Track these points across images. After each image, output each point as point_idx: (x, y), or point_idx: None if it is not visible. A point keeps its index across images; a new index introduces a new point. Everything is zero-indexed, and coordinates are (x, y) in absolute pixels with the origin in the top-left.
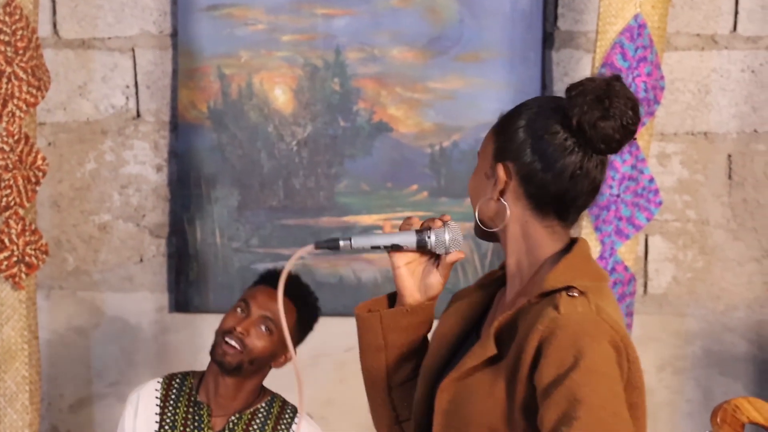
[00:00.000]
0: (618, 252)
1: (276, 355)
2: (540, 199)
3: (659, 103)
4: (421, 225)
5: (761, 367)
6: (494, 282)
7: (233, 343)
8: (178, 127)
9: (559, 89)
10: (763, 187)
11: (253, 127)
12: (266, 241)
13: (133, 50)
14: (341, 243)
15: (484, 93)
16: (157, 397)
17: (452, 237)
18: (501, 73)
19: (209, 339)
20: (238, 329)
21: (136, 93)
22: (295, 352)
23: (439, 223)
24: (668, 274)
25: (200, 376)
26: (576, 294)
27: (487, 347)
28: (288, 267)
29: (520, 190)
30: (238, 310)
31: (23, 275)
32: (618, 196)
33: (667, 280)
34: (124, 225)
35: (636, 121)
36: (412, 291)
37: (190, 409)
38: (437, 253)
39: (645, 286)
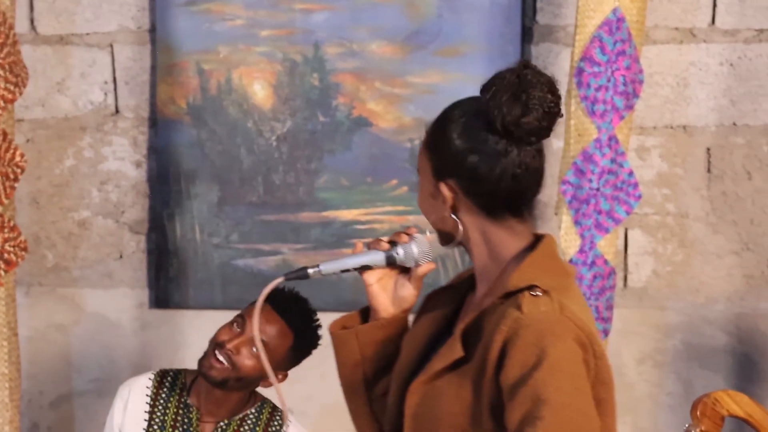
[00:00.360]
0: (598, 246)
1: (265, 377)
2: (490, 206)
3: (638, 96)
4: (389, 240)
5: (741, 360)
6: (465, 282)
7: (222, 358)
8: (157, 122)
9: None
10: (742, 180)
11: (233, 122)
12: (246, 237)
13: (111, 46)
14: (310, 271)
15: (464, 87)
16: (147, 395)
17: (420, 250)
18: (480, 67)
19: (189, 335)
20: (229, 346)
21: (115, 89)
22: (285, 377)
23: (405, 237)
24: (648, 267)
25: (194, 375)
26: (539, 293)
27: (453, 349)
28: (259, 302)
29: (468, 202)
30: (234, 325)
31: (2, 272)
32: (598, 189)
33: (647, 274)
34: (103, 221)
35: (557, 100)
36: (385, 306)
37: (180, 411)
38: (407, 266)
39: (625, 279)
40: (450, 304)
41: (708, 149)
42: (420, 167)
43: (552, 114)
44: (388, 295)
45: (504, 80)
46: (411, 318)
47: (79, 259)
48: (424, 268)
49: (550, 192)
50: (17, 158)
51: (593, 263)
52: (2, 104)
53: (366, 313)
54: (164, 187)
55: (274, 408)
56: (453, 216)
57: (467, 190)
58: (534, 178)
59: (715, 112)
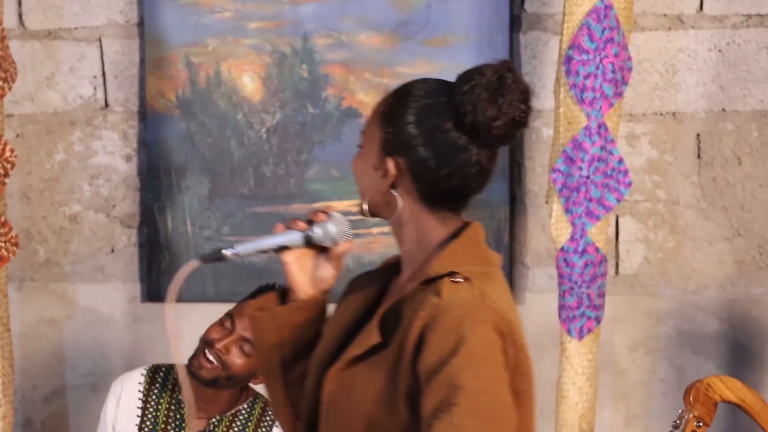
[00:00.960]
0: (589, 233)
1: (256, 375)
2: (432, 195)
3: (627, 84)
4: (306, 219)
5: (733, 346)
6: (391, 267)
7: (211, 358)
8: (147, 116)
9: (528, 71)
10: (732, 166)
11: (222, 115)
12: (237, 230)
13: (100, 40)
14: (227, 252)
15: (453, 77)
16: (140, 390)
17: (339, 228)
18: (469, 56)
19: (182, 328)
20: (218, 345)
21: (104, 83)
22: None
23: (323, 216)
24: (639, 254)
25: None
26: (459, 279)
27: (370, 335)
28: (173, 288)
29: (411, 186)
30: (224, 323)
31: None
32: (588, 177)
33: (638, 261)
34: (94, 216)
35: (528, 111)
36: (304, 286)
37: (172, 407)
38: (326, 246)
39: (616, 267)
40: (373, 288)
41: (698, 135)
42: (366, 133)
43: (520, 124)
44: (307, 276)
45: (484, 77)
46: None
47: (70, 253)
48: (343, 247)
49: (540, 180)
50: (7, 153)
51: (584, 251)
52: None
53: (284, 294)
54: (155, 180)
55: (267, 403)
56: (393, 192)
57: (414, 174)
58: (483, 178)
59: (704, 98)
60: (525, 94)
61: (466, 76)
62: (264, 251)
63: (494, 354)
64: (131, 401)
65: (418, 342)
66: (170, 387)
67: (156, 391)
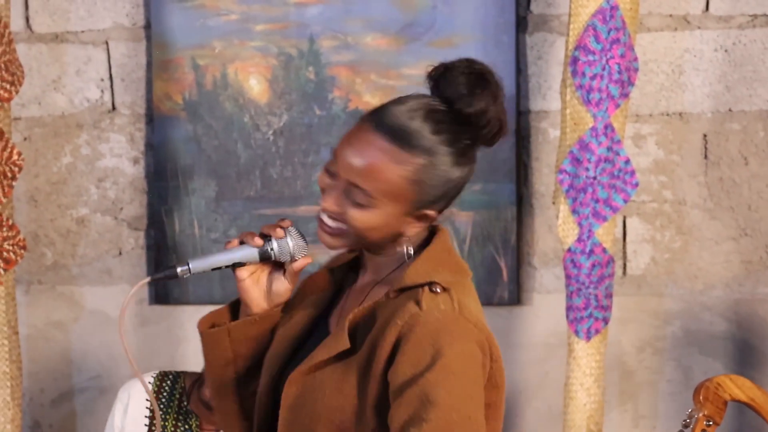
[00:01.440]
0: (596, 234)
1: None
2: (428, 207)
3: (633, 84)
4: (261, 234)
5: (740, 346)
6: (343, 267)
7: None
8: (154, 119)
9: (534, 72)
10: (738, 166)
11: (229, 117)
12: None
13: (106, 43)
14: (179, 270)
15: None
16: (147, 398)
17: (296, 243)
18: (474, 57)
19: (190, 330)
20: None
21: (111, 86)
22: None
23: (280, 231)
24: (646, 255)
25: (193, 379)
26: (438, 290)
27: (340, 340)
28: (123, 307)
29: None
30: None
31: (1, 271)
32: (594, 178)
33: (646, 261)
34: (101, 218)
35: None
36: (258, 301)
37: (180, 417)
38: (282, 261)
39: (624, 267)
40: (326, 290)
41: (704, 135)
42: (384, 193)
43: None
44: (261, 290)
45: (491, 109)
46: None
47: (78, 256)
48: (301, 262)
49: (547, 181)
50: (14, 157)
51: (591, 252)
52: None
53: (235, 307)
54: (162, 183)
55: None
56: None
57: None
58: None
59: (710, 98)
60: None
61: (479, 110)
62: (218, 268)
63: (471, 370)
64: (139, 409)
65: (392, 351)
66: (178, 396)
67: (163, 400)
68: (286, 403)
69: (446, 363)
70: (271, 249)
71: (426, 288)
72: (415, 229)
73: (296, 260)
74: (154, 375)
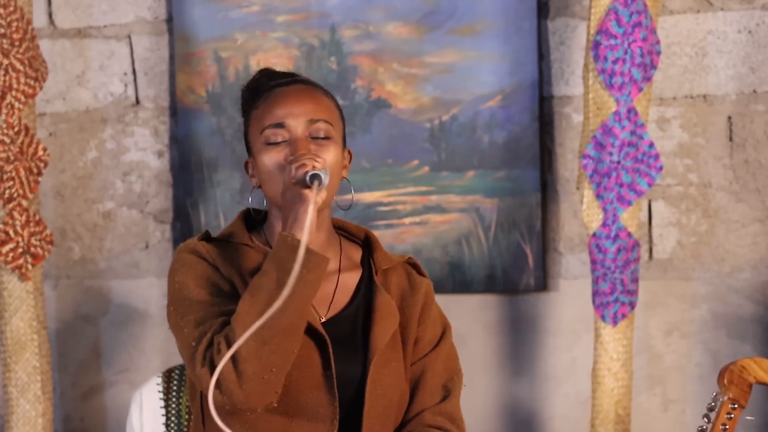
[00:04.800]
0: (621, 218)
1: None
2: (350, 151)
3: (656, 67)
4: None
5: None
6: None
7: None
8: (178, 112)
9: (556, 58)
10: (764, 148)
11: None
12: None
13: (129, 37)
14: (322, 176)
15: (481, 65)
16: (159, 392)
17: (326, 174)
18: (496, 44)
19: None
20: None
21: (134, 80)
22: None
23: (321, 160)
24: (672, 238)
25: None
26: (417, 262)
27: (393, 317)
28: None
29: None
30: None
31: (29, 266)
32: (618, 162)
33: (672, 245)
34: (128, 212)
35: None
36: (312, 227)
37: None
38: (315, 188)
39: (650, 251)
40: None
41: (729, 117)
42: (335, 126)
43: None
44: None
45: None
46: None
47: (105, 250)
48: (324, 193)
49: (571, 166)
50: (40, 152)
51: (617, 236)
52: (23, 99)
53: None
54: (187, 176)
55: None
56: (347, 180)
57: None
58: None
59: (734, 80)
60: None
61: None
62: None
63: None
64: (154, 404)
65: (419, 315)
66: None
67: (174, 391)
68: (372, 385)
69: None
70: (323, 175)
71: (411, 261)
72: (345, 173)
73: (324, 191)
74: (160, 374)
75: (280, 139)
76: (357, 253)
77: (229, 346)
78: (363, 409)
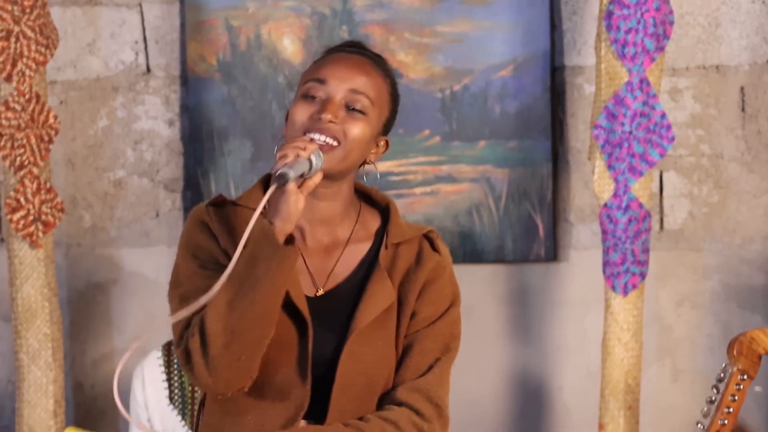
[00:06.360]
0: (632, 189)
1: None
2: (386, 141)
3: (669, 38)
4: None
5: None
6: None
7: None
8: (189, 81)
9: (569, 28)
10: None
11: (263, 78)
12: None
13: (140, 5)
14: (289, 176)
15: (493, 35)
16: (160, 365)
17: (318, 158)
18: (509, 14)
19: None
20: None
21: (145, 48)
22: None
23: (313, 144)
24: (684, 209)
25: None
26: (434, 236)
27: (387, 295)
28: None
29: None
30: None
31: (40, 234)
32: (630, 133)
33: (683, 216)
34: (138, 181)
35: None
36: (297, 217)
37: None
38: (308, 176)
39: (661, 222)
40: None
41: (741, 88)
42: (377, 106)
43: None
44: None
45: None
46: None
47: (116, 219)
48: (318, 176)
49: (583, 137)
50: (51, 120)
51: (628, 207)
52: (34, 67)
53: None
54: (197, 145)
55: None
56: (372, 164)
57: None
58: None
59: (747, 50)
60: None
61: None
62: (299, 176)
63: None
64: (156, 377)
65: (419, 291)
66: None
67: (176, 363)
68: (343, 367)
69: (460, 300)
70: (314, 161)
71: (433, 234)
72: (374, 158)
73: (317, 175)
74: (160, 347)
75: (316, 94)
76: (375, 223)
77: (201, 329)
78: (333, 387)
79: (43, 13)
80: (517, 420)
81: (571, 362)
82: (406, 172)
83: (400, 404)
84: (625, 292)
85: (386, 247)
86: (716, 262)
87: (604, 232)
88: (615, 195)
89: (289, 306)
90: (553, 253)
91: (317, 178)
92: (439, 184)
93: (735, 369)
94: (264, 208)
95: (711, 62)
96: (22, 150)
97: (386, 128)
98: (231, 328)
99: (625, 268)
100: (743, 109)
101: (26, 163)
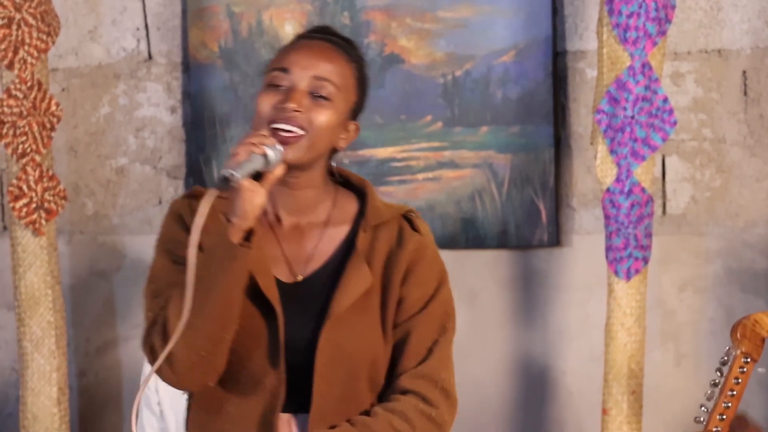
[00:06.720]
0: (634, 174)
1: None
2: (356, 125)
3: (671, 21)
4: (248, 143)
5: None
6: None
7: None
8: (190, 67)
9: (570, 13)
10: None
11: (265, 64)
12: None
13: None
14: (233, 178)
15: (494, 20)
16: None
17: (276, 151)
18: (509, 0)
19: None
20: None
21: (147, 35)
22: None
23: (271, 139)
24: (686, 194)
25: None
26: (413, 216)
27: (363, 278)
28: (199, 218)
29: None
30: None
31: (43, 221)
32: (632, 117)
33: (686, 200)
34: (141, 168)
35: None
36: (255, 214)
37: None
38: (266, 170)
39: (663, 206)
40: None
41: (744, 72)
42: (343, 92)
43: None
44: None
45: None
46: None
47: (118, 206)
48: (280, 170)
49: (585, 122)
50: (53, 107)
51: (630, 191)
52: (36, 54)
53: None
54: (200, 131)
55: None
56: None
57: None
58: None
59: (749, 34)
60: None
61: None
62: (250, 174)
63: None
64: None
65: (404, 274)
66: None
67: None
68: (322, 353)
69: (447, 278)
70: (268, 156)
71: (411, 214)
72: (344, 143)
73: (277, 168)
74: None
75: (280, 83)
76: (353, 206)
77: (163, 327)
78: (313, 374)
79: (44, 0)
80: (520, 404)
81: (574, 347)
82: (408, 158)
83: (405, 392)
84: (628, 277)
85: (364, 231)
86: (719, 246)
87: (606, 216)
88: (617, 180)
89: (257, 294)
90: (555, 239)
91: (279, 171)
92: (441, 170)
93: (738, 352)
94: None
95: (713, 46)
96: (24, 138)
97: (355, 113)
98: (189, 323)
99: (627, 252)
100: (745, 93)
101: (28, 150)
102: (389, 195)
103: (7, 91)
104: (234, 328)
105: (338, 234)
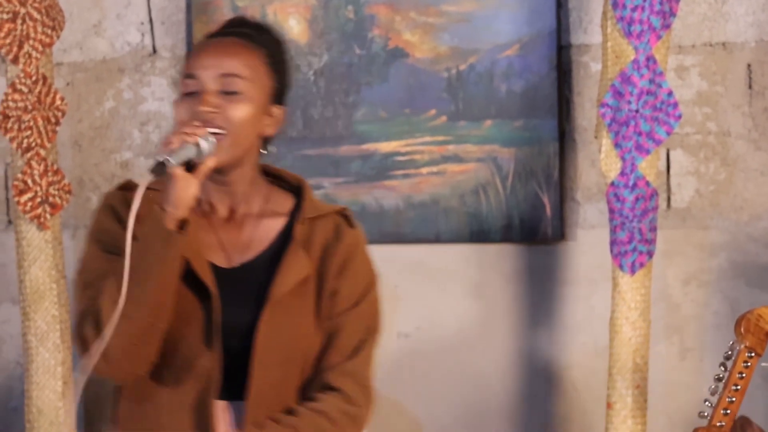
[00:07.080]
0: (639, 167)
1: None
2: (270, 139)
3: (675, 15)
4: (180, 133)
5: None
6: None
7: None
8: None
9: (574, 6)
10: None
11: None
12: None
13: None
14: (168, 163)
15: (498, 14)
16: None
17: (209, 142)
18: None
19: None
20: None
21: (151, 29)
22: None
23: (203, 129)
24: (691, 187)
25: None
26: (350, 214)
27: (302, 266)
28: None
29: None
30: None
31: (48, 215)
32: (637, 111)
33: (690, 194)
34: (145, 162)
35: None
36: (188, 203)
37: None
38: (198, 161)
39: (668, 200)
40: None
41: (748, 65)
42: (250, 78)
43: None
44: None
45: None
46: None
47: None
48: (213, 161)
49: (589, 115)
50: (58, 102)
51: (635, 185)
52: (40, 48)
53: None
54: None
55: None
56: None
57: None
58: None
59: (754, 27)
60: None
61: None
62: (184, 163)
63: None
64: None
65: (339, 267)
66: None
67: None
68: (262, 337)
69: (378, 283)
70: (201, 146)
71: (344, 211)
72: (271, 130)
73: (209, 159)
74: None
75: (192, 90)
76: (288, 202)
77: (95, 317)
78: (251, 358)
79: None
80: (524, 399)
81: (578, 341)
82: (412, 152)
83: (331, 389)
84: (633, 271)
85: (301, 223)
86: (723, 239)
87: (611, 210)
88: (622, 173)
89: (192, 278)
90: (560, 232)
91: (211, 162)
92: (445, 164)
93: (742, 347)
94: (154, 192)
95: (717, 39)
96: (29, 132)
97: (277, 96)
98: (124, 313)
99: (632, 246)
100: (750, 87)
101: (33, 144)
102: (393, 189)
103: (12, 85)
104: (168, 316)
105: (275, 225)
